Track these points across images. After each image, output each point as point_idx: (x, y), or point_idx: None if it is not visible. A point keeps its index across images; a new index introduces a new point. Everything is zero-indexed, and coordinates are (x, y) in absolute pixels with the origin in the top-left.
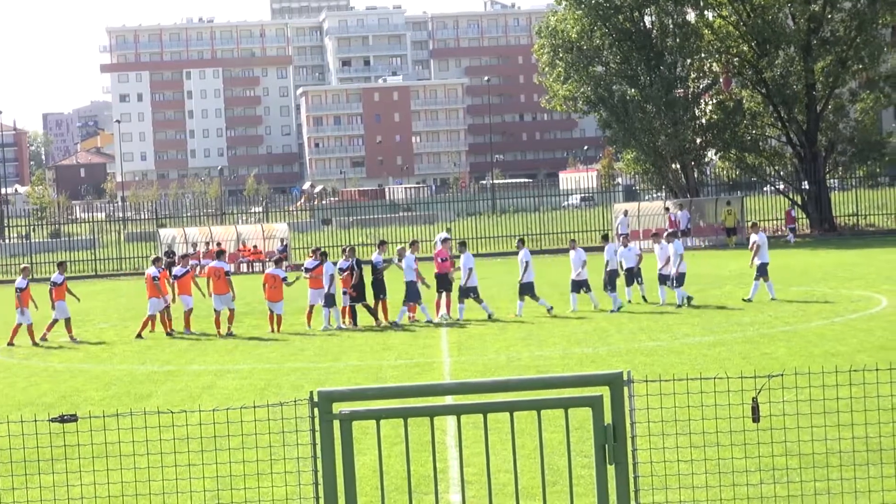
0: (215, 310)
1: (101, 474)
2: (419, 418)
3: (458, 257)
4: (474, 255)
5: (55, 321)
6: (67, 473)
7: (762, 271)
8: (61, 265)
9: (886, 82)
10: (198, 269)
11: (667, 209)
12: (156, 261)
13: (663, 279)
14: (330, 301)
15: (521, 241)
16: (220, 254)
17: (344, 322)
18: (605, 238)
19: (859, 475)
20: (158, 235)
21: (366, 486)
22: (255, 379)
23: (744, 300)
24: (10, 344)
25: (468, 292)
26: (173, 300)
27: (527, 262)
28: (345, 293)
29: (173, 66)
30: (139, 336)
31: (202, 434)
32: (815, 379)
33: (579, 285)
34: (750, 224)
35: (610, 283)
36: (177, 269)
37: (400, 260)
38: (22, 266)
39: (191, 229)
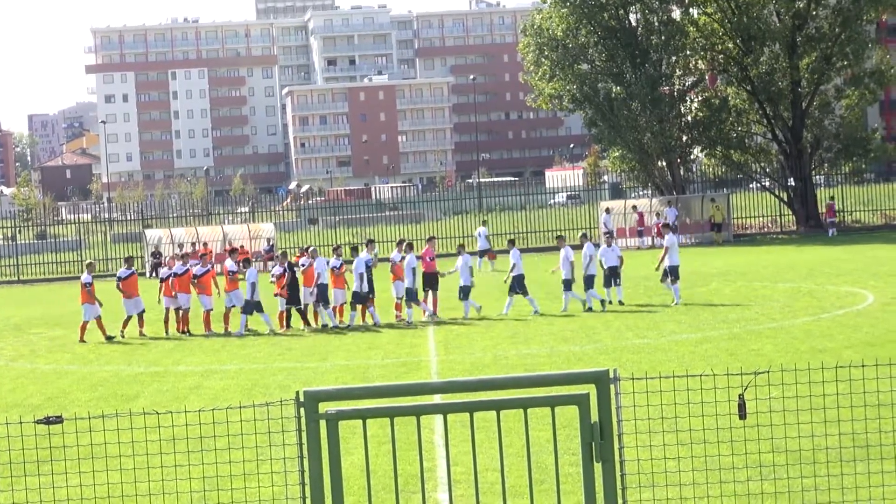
0: (227, 307)
1: (88, 475)
2: (406, 417)
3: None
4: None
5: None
6: (54, 475)
7: (673, 273)
8: (90, 266)
9: (871, 78)
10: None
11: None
12: (88, 266)
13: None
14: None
15: (512, 242)
16: (232, 252)
17: (279, 328)
18: (584, 237)
19: (846, 471)
20: (145, 236)
21: (353, 485)
22: (241, 379)
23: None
24: (82, 341)
25: (467, 291)
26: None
27: (470, 267)
28: (276, 295)
29: (158, 66)
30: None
31: (189, 435)
32: (802, 375)
33: (570, 284)
34: (661, 226)
35: (586, 283)
36: (197, 269)
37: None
38: (87, 262)
39: (177, 230)
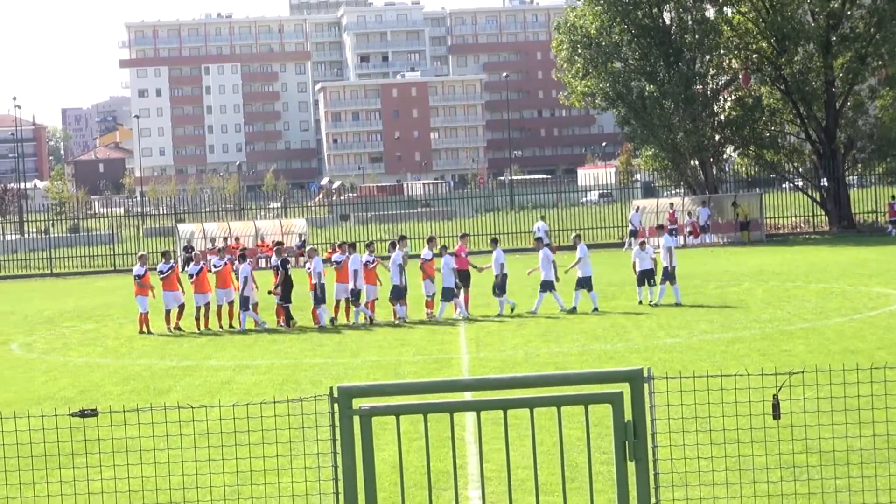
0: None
1: (121, 469)
2: (439, 414)
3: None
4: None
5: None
6: (87, 468)
7: (586, 284)
8: (142, 258)
9: None
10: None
11: (671, 205)
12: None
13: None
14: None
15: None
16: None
17: (279, 324)
18: (578, 238)
19: (880, 473)
20: (177, 230)
21: (385, 481)
22: (273, 374)
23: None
24: (145, 332)
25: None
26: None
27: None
28: (270, 293)
29: (192, 61)
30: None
31: (222, 429)
32: (835, 376)
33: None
34: (574, 236)
35: (577, 283)
36: (243, 267)
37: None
38: (139, 254)
39: (209, 224)
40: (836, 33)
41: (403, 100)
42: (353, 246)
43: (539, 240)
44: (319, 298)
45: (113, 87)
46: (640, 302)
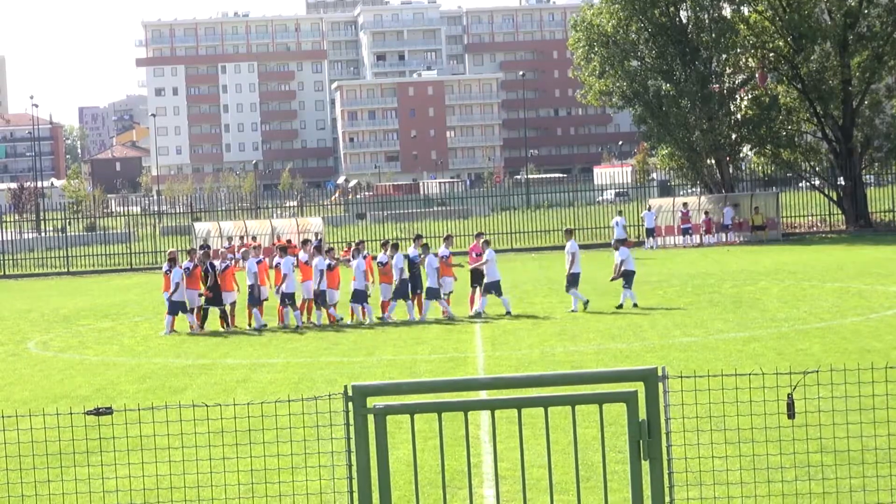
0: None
1: (137, 467)
2: (453, 413)
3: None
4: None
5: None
6: (103, 466)
7: (493, 288)
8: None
9: None
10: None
11: (684, 205)
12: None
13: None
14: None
15: (486, 242)
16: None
17: (195, 325)
18: (569, 233)
19: (895, 472)
20: (193, 229)
21: (399, 480)
22: (289, 373)
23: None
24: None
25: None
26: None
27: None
28: (200, 295)
29: (209, 60)
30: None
31: (237, 427)
32: (851, 375)
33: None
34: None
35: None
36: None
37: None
38: (169, 252)
39: (226, 223)
40: (853, 32)
41: (420, 98)
42: (396, 246)
43: (622, 240)
44: (255, 299)
45: (130, 85)
46: (620, 305)
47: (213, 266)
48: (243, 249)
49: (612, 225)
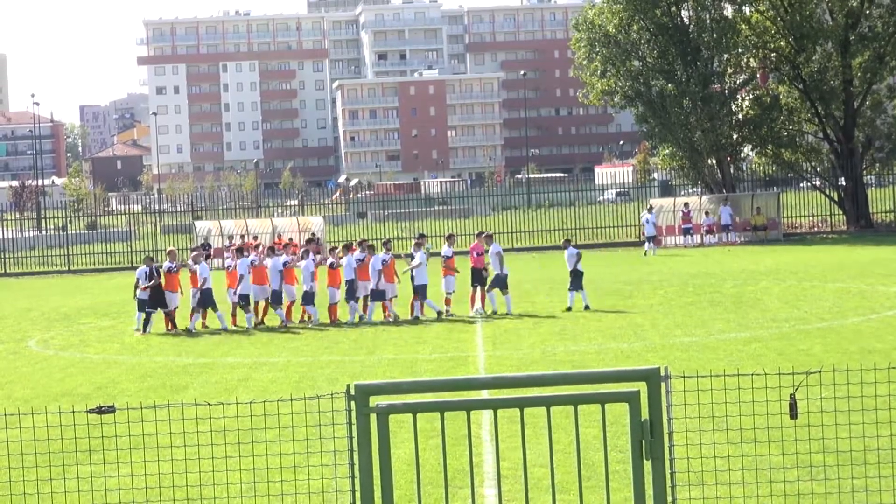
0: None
1: (138, 465)
2: (455, 412)
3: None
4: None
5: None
6: (105, 464)
7: (500, 284)
8: (171, 253)
9: None
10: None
11: (685, 205)
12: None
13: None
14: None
15: (489, 237)
16: (285, 246)
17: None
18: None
19: None
20: (194, 228)
21: (401, 479)
22: (290, 372)
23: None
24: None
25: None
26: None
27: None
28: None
29: (210, 58)
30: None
31: (238, 426)
32: (853, 376)
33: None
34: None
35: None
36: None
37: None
38: (168, 249)
39: (226, 222)
40: (855, 32)
41: (421, 98)
42: (348, 247)
43: (652, 237)
44: (201, 302)
45: (131, 84)
46: (570, 308)
47: (158, 270)
48: (194, 254)
49: (642, 222)
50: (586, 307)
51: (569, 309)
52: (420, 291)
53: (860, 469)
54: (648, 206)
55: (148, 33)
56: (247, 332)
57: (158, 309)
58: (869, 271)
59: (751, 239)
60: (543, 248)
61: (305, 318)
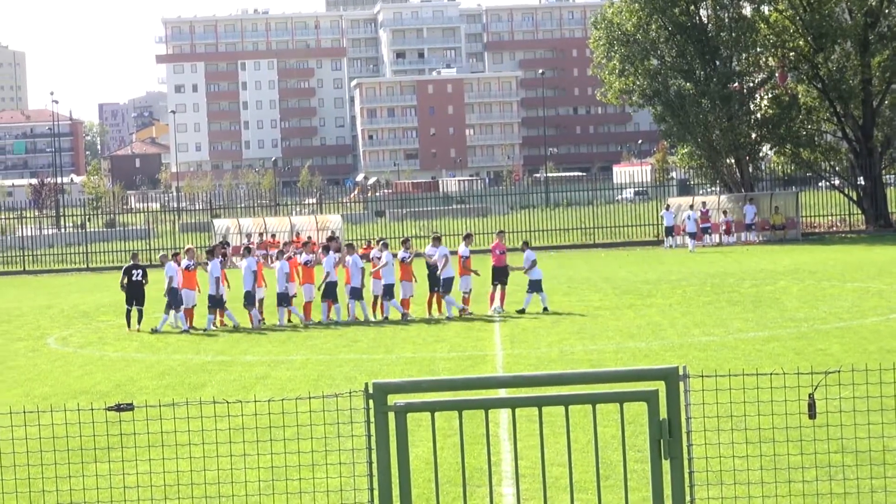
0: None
1: (157, 463)
2: (473, 411)
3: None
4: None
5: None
6: (123, 462)
7: (388, 292)
8: (188, 251)
9: None
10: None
11: (667, 207)
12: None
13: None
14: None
15: (525, 243)
16: (304, 244)
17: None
18: (526, 245)
19: None
20: (213, 226)
21: (419, 478)
22: (308, 370)
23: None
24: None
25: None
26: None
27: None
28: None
29: (228, 57)
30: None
31: (257, 424)
32: (872, 376)
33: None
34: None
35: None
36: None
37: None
38: (186, 248)
39: (245, 220)
40: (874, 31)
41: (439, 96)
42: (350, 246)
43: (692, 234)
44: (170, 303)
45: (149, 82)
46: (546, 309)
47: (144, 268)
48: (162, 254)
49: (683, 219)
50: (545, 309)
51: (522, 311)
52: (386, 291)
53: (879, 469)
54: (666, 205)
55: (167, 32)
56: (260, 330)
57: (135, 305)
58: (888, 271)
59: (769, 238)
60: (561, 246)
61: (332, 315)
